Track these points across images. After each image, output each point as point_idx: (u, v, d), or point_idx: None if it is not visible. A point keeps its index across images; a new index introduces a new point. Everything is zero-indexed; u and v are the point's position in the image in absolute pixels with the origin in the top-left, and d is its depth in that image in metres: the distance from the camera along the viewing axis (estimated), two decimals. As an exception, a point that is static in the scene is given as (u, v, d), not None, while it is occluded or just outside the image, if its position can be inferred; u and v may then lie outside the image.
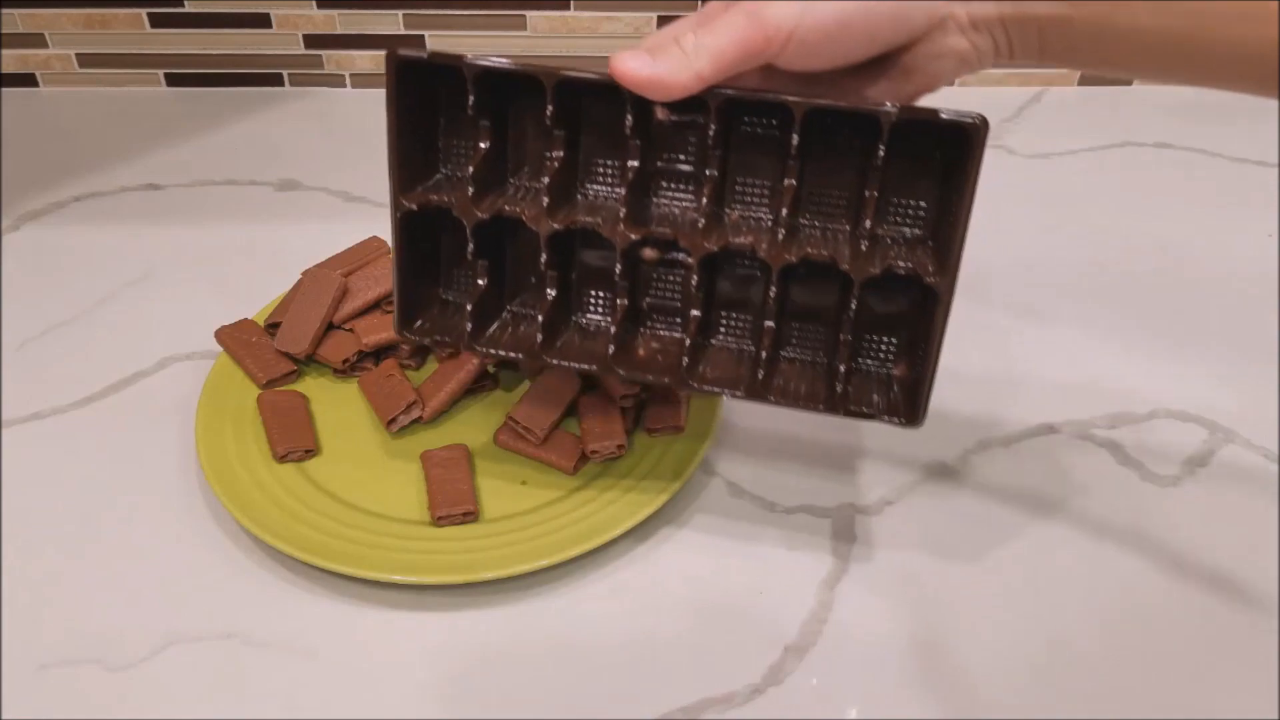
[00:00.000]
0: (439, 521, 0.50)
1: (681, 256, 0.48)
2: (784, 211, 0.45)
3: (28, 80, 0.88)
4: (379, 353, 0.59)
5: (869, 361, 0.49)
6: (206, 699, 0.44)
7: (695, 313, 0.48)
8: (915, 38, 0.41)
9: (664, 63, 0.40)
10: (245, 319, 0.61)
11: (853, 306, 0.45)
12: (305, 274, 0.60)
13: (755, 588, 0.49)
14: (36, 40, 0.86)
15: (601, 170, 0.48)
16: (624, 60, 0.40)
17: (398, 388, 0.56)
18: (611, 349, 0.48)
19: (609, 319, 0.50)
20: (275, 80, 0.88)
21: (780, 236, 0.45)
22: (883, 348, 0.48)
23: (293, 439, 0.54)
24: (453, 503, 0.50)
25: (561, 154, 0.46)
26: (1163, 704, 0.44)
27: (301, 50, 0.87)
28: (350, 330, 0.59)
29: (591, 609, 0.48)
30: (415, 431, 0.56)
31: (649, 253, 0.48)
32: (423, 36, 0.86)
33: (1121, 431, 0.57)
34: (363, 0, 0.84)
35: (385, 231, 0.65)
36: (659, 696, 0.44)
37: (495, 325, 0.50)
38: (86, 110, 0.86)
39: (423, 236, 0.49)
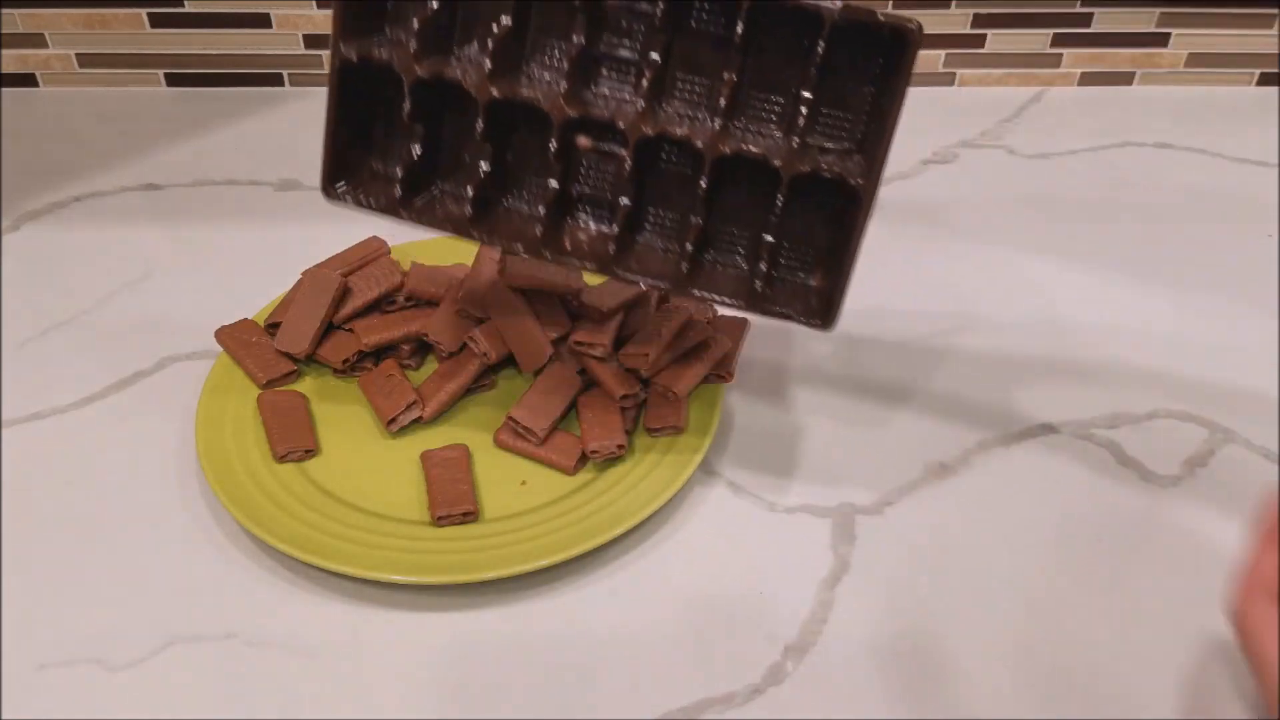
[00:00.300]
0: (439, 521, 0.50)
1: (615, 149, 0.48)
2: (721, 105, 0.46)
3: (28, 80, 0.88)
4: (379, 353, 0.59)
5: (791, 269, 0.50)
6: (206, 699, 0.44)
7: (625, 201, 0.49)
8: None
9: None
10: (245, 319, 0.61)
11: (779, 205, 0.46)
12: (305, 274, 0.60)
13: (755, 588, 0.49)
14: (36, 40, 0.86)
15: (546, 52, 0.48)
16: None
17: (398, 388, 0.56)
18: (540, 231, 0.49)
19: (540, 203, 0.50)
20: (275, 80, 0.88)
21: (715, 129, 0.46)
22: (805, 256, 0.50)
23: (293, 439, 0.54)
24: (453, 503, 0.50)
25: (509, 22, 0.46)
26: (1162, 704, 0.44)
27: (301, 50, 0.87)
28: (350, 330, 0.59)
29: (591, 609, 0.48)
30: (415, 431, 0.56)
31: (584, 140, 0.49)
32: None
33: (1121, 431, 0.57)
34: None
35: (385, 232, 0.65)
36: (659, 696, 0.44)
37: (424, 199, 0.50)
38: (86, 110, 0.86)
39: (360, 100, 0.49)
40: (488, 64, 0.46)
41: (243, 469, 0.52)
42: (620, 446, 0.53)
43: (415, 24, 0.46)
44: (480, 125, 0.47)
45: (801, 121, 0.46)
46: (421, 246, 0.67)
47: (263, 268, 0.68)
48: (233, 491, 0.51)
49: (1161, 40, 0.89)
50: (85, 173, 0.78)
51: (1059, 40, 0.89)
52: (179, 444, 0.55)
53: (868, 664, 0.46)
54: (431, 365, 0.59)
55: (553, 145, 0.47)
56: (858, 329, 0.64)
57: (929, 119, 0.86)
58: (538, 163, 0.49)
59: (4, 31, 0.85)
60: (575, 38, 0.46)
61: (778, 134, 0.47)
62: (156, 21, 0.85)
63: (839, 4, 0.43)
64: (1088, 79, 0.91)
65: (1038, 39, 0.89)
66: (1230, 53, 0.90)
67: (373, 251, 0.64)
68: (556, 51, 0.48)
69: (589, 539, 0.49)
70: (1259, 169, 0.81)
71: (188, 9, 0.85)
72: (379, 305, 0.60)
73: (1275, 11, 0.88)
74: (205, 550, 0.50)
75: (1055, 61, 0.90)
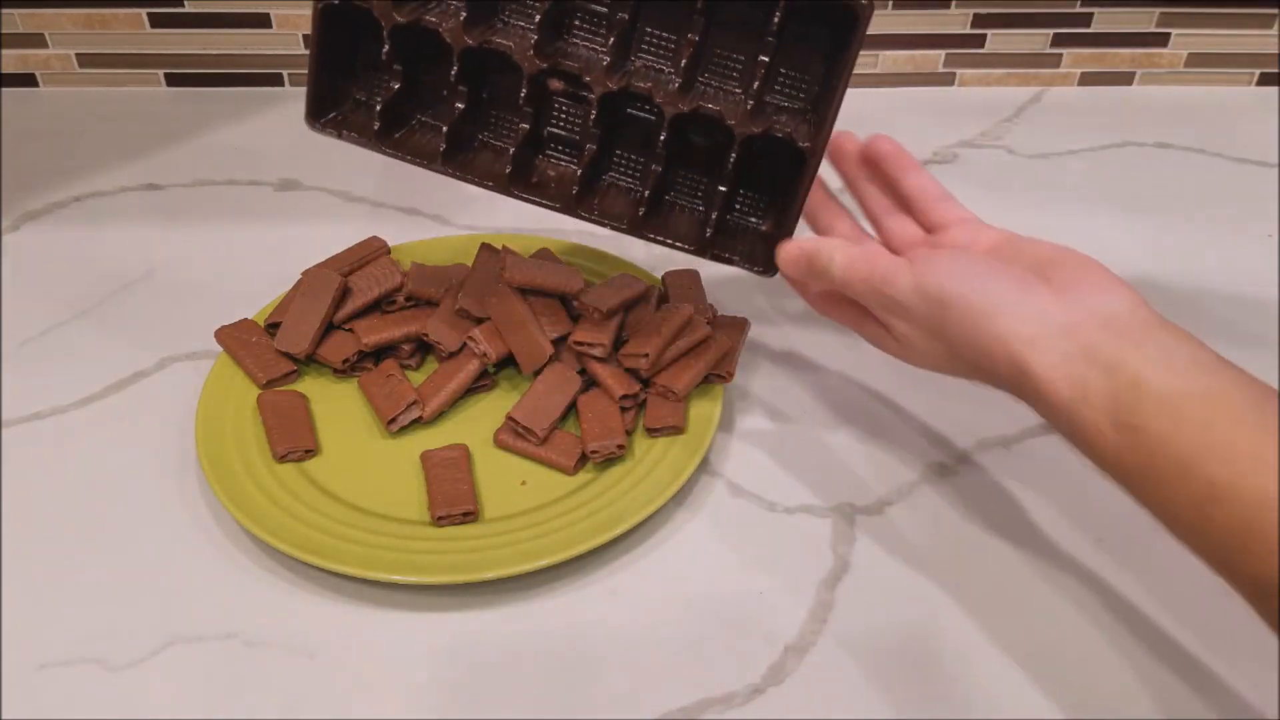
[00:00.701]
0: (439, 521, 0.50)
1: (585, 93, 0.51)
2: (683, 64, 0.50)
3: (28, 80, 0.88)
4: (379, 353, 0.59)
5: (743, 216, 0.54)
6: (206, 699, 0.44)
7: (591, 146, 0.52)
8: None
9: None
10: (245, 319, 0.61)
11: (732, 160, 0.50)
12: (305, 274, 0.60)
13: (755, 588, 0.49)
14: (36, 40, 0.86)
15: (520, 3, 0.51)
16: None
17: (398, 388, 0.56)
18: (509, 169, 0.53)
19: (510, 141, 0.54)
20: (275, 80, 0.88)
21: (676, 86, 0.50)
22: (757, 204, 0.54)
23: (293, 439, 0.54)
24: (453, 503, 0.50)
25: None
26: (1162, 704, 0.44)
27: (301, 50, 0.87)
28: (350, 330, 0.59)
29: (591, 609, 0.48)
30: (415, 431, 0.56)
31: (555, 83, 0.52)
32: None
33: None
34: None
35: (385, 232, 0.65)
36: (659, 696, 0.44)
37: (403, 131, 0.54)
38: (86, 110, 0.86)
39: (343, 36, 0.52)
40: (463, 13, 0.49)
41: (243, 469, 0.52)
42: (620, 446, 0.53)
43: None
44: (455, 70, 0.50)
45: (758, 83, 0.49)
46: (421, 246, 0.67)
47: (263, 268, 0.68)
48: (233, 491, 0.51)
49: (1161, 40, 0.89)
50: (85, 173, 0.78)
51: (1059, 40, 0.89)
52: (179, 444, 0.55)
53: (868, 664, 0.46)
54: (431, 365, 0.59)
55: (523, 92, 0.51)
56: (858, 329, 0.64)
57: (929, 119, 0.86)
58: (511, 105, 0.52)
59: (4, 31, 0.85)
60: None
61: (738, 91, 0.51)
62: (156, 21, 0.85)
63: None
64: (1088, 79, 0.91)
65: (1038, 39, 0.89)
66: (1230, 53, 0.90)
67: (373, 251, 0.64)
68: (531, 4, 0.51)
69: (589, 539, 0.49)
70: (1259, 169, 0.81)
71: (188, 9, 0.85)
72: (379, 305, 0.60)
73: (1275, 11, 0.88)
74: (205, 550, 0.50)
75: (1055, 61, 0.90)
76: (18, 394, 0.59)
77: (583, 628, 0.47)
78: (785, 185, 0.50)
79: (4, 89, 0.88)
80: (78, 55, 0.87)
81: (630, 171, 0.55)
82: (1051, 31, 0.89)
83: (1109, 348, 0.39)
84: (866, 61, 0.90)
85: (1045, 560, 0.50)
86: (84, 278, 0.68)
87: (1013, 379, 0.42)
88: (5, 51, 0.87)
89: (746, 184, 0.53)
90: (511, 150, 0.53)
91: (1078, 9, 0.87)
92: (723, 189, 0.51)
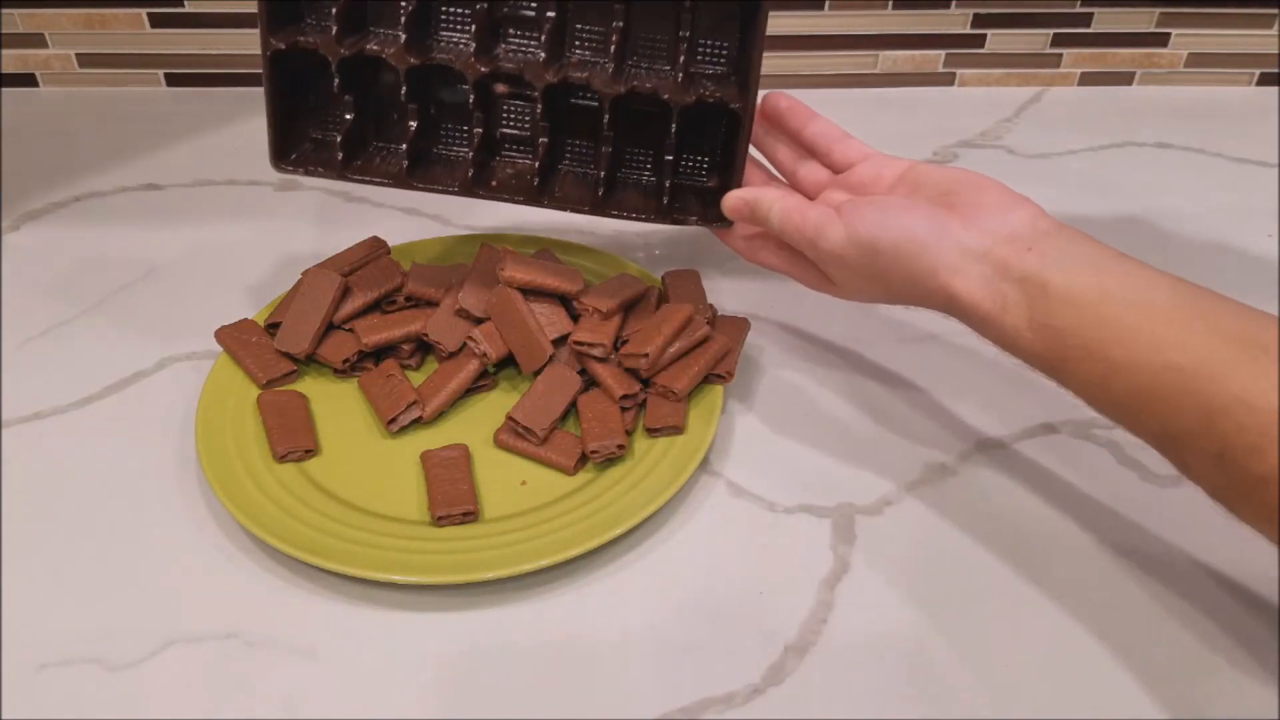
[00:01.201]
0: (439, 521, 0.50)
1: (529, 90, 0.56)
2: (613, 50, 0.55)
3: (28, 80, 0.88)
4: (379, 353, 0.59)
5: (693, 178, 0.60)
6: (206, 699, 0.44)
7: (543, 140, 0.57)
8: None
9: None
10: (245, 319, 0.61)
11: (673, 131, 0.56)
12: (305, 274, 0.60)
13: (755, 588, 0.49)
14: (36, 40, 0.86)
15: (452, 17, 0.56)
16: None
17: (398, 388, 0.56)
18: (470, 173, 0.57)
19: (467, 148, 0.58)
20: (275, 80, 0.88)
21: (610, 72, 0.54)
22: (702, 166, 0.59)
23: (293, 439, 0.54)
24: (453, 503, 0.50)
25: (413, 6, 0.54)
26: (1162, 704, 0.44)
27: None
28: (350, 330, 0.59)
29: (591, 609, 0.48)
30: (415, 431, 0.56)
31: (500, 87, 0.56)
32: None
33: (1121, 431, 0.57)
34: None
35: (385, 232, 0.65)
36: (659, 696, 0.44)
37: (363, 158, 0.58)
38: (86, 110, 0.86)
39: (295, 81, 0.56)
40: (403, 36, 0.53)
41: (243, 469, 0.52)
42: (620, 446, 0.53)
43: (333, 10, 0.53)
44: (404, 89, 0.54)
45: (683, 57, 0.55)
46: (421, 246, 0.67)
47: (263, 268, 0.68)
48: (233, 491, 0.51)
49: (1161, 40, 0.89)
50: (85, 173, 0.78)
51: (1059, 40, 0.89)
52: (179, 444, 0.55)
53: (868, 664, 0.46)
54: (431, 365, 0.59)
55: (471, 99, 0.55)
56: (858, 328, 0.64)
57: (929, 119, 0.87)
58: (461, 113, 0.57)
59: (4, 31, 0.85)
60: (479, 4, 0.54)
61: (666, 67, 0.56)
62: (156, 21, 0.85)
63: None
64: (1088, 79, 0.91)
65: (1038, 39, 0.89)
66: (1230, 53, 0.90)
67: (373, 251, 0.63)
68: (463, 16, 0.55)
69: (589, 539, 0.49)
70: (1259, 169, 0.81)
71: (188, 9, 0.85)
72: (379, 305, 0.60)
73: (1275, 11, 0.88)
74: (205, 550, 0.50)
75: (1055, 61, 0.90)
76: (18, 394, 0.59)
77: (583, 627, 0.47)
78: (725, 143, 0.56)
79: (4, 89, 0.88)
80: (78, 55, 0.87)
81: (583, 157, 0.60)
82: (1051, 31, 0.89)
83: (1016, 262, 0.46)
84: (866, 61, 0.90)
85: (1044, 561, 0.50)
86: (84, 278, 0.68)
87: (945, 305, 0.49)
88: (5, 51, 0.87)
89: (690, 149, 0.59)
90: (470, 154, 0.57)
91: (1078, 9, 0.87)
92: (669, 158, 0.57)
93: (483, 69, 0.53)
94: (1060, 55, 0.90)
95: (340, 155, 0.56)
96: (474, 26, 0.54)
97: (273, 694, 0.44)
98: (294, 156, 0.57)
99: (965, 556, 0.51)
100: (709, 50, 0.56)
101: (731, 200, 0.55)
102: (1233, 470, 0.39)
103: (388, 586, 0.48)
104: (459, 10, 0.55)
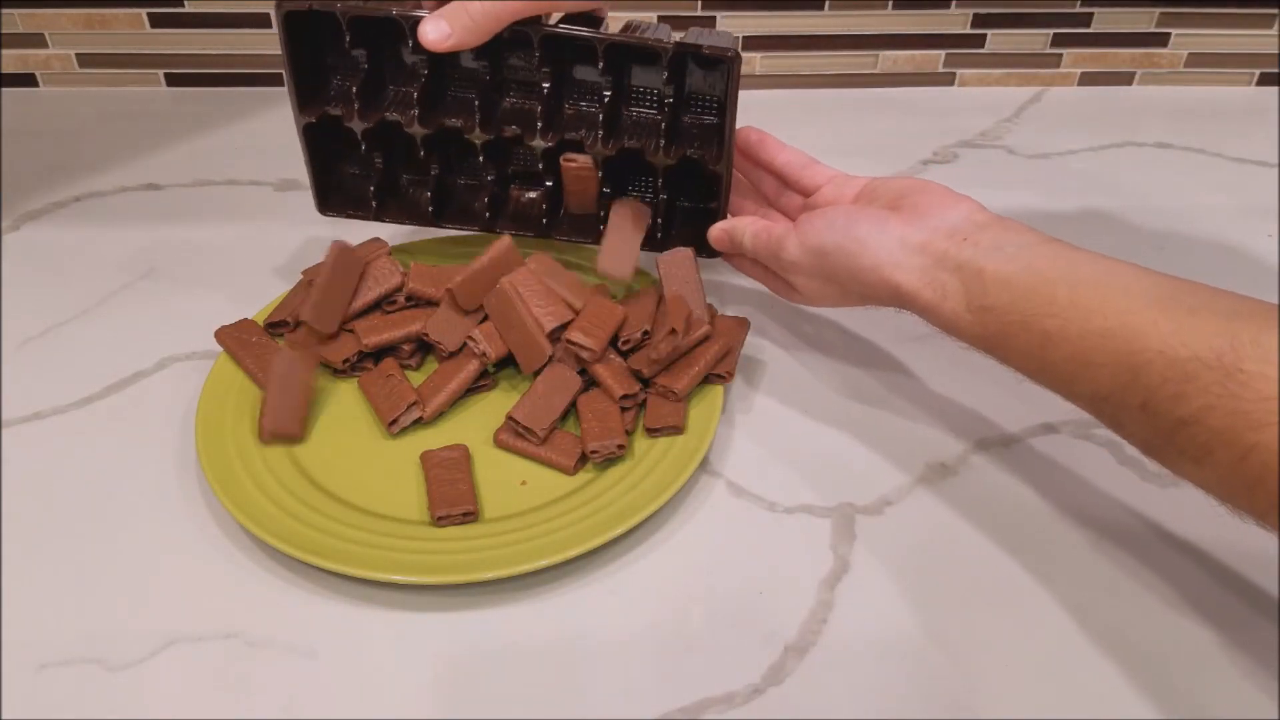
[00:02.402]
0: (439, 521, 0.50)
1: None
2: (601, 118, 0.60)
3: (28, 80, 0.88)
4: (379, 353, 0.59)
5: (688, 214, 0.65)
6: (206, 699, 0.44)
7: (548, 183, 0.64)
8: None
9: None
10: (245, 319, 0.61)
11: (660, 184, 0.62)
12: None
13: (755, 588, 0.49)
14: (36, 40, 0.86)
15: (462, 87, 0.62)
16: (424, 32, 0.53)
17: (398, 388, 0.56)
18: (487, 214, 0.63)
19: (483, 188, 0.64)
20: (275, 80, 0.88)
21: (600, 135, 0.60)
22: (692, 197, 0.64)
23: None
24: (453, 503, 0.50)
25: (425, 76, 0.60)
26: (1163, 703, 0.44)
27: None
28: (350, 330, 0.59)
29: (591, 609, 0.48)
30: (415, 431, 0.56)
31: (509, 130, 0.60)
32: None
33: (1121, 431, 0.57)
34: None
35: (385, 231, 0.65)
36: (659, 696, 0.44)
37: (396, 198, 0.65)
38: (86, 110, 0.86)
39: (328, 141, 0.62)
40: (415, 112, 0.59)
41: (243, 469, 0.52)
42: (620, 446, 0.53)
43: (354, 90, 0.59)
44: (422, 154, 0.61)
45: (665, 122, 0.60)
46: (421, 246, 0.67)
47: (263, 268, 0.68)
48: (233, 491, 0.51)
49: (1161, 40, 0.89)
50: (85, 173, 0.78)
51: (1059, 40, 0.89)
52: (179, 444, 0.55)
53: (868, 664, 0.46)
54: (431, 365, 0.59)
55: (480, 158, 0.61)
56: (858, 328, 0.64)
57: (929, 119, 0.87)
58: (474, 162, 0.62)
59: (4, 31, 0.85)
60: (484, 77, 0.60)
61: (657, 117, 0.61)
62: (156, 21, 0.85)
63: (670, 42, 0.56)
64: (1088, 79, 0.91)
65: (1038, 39, 0.89)
66: (1230, 53, 0.90)
67: (373, 251, 0.63)
68: (470, 88, 0.61)
69: (589, 539, 0.49)
70: (1259, 169, 0.81)
71: (188, 9, 0.85)
72: (379, 305, 0.60)
73: (1275, 11, 0.88)
74: (205, 550, 0.50)
75: (1055, 61, 0.90)
76: (18, 394, 0.59)
77: (583, 627, 0.47)
78: (707, 186, 0.61)
79: (4, 89, 0.88)
80: (78, 55, 0.87)
81: None
82: (1051, 31, 0.89)
83: (953, 252, 0.49)
84: (866, 61, 0.90)
85: (1044, 561, 0.50)
86: (84, 278, 0.68)
87: (891, 298, 0.52)
88: (5, 51, 0.87)
89: (682, 192, 0.64)
90: (485, 199, 0.63)
91: (1078, 9, 0.87)
92: (663, 197, 0.63)
93: (487, 135, 0.60)
94: (1060, 55, 0.90)
95: (374, 203, 0.63)
96: (477, 99, 0.60)
97: (273, 694, 0.44)
98: (334, 205, 0.64)
99: (965, 556, 0.51)
100: (697, 100, 0.61)
101: (714, 233, 0.61)
102: (1158, 419, 0.41)
103: (388, 586, 0.48)
104: (467, 87, 0.61)
